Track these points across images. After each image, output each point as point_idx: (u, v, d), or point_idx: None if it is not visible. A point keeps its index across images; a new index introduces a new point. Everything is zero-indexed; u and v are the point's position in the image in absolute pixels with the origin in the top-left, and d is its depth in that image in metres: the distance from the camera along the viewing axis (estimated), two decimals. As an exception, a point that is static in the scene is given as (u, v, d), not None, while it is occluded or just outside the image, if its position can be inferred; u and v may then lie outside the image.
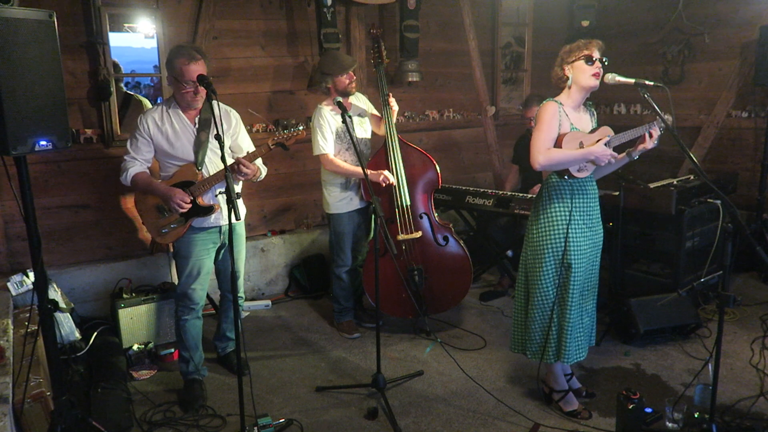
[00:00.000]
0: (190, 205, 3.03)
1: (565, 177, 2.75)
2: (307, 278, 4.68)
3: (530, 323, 2.93)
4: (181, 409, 3.08)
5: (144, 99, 4.53)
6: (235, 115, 3.25)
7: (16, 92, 2.02)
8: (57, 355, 2.40)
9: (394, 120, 3.76)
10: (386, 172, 3.64)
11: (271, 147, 3.10)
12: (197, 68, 2.91)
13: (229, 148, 3.21)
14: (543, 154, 2.67)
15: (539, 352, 2.92)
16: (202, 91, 2.96)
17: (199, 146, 3.07)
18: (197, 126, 3.09)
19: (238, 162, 3.01)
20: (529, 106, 4.36)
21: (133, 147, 3.08)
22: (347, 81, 3.64)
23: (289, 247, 4.74)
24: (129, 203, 4.09)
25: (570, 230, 2.76)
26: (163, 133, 3.06)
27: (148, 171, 3.11)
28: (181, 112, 3.08)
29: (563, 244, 2.77)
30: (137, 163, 3.07)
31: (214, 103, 2.62)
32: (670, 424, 2.80)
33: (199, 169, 3.08)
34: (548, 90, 3.02)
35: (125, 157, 3.09)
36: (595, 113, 2.94)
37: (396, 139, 3.72)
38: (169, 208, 3.06)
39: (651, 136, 2.73)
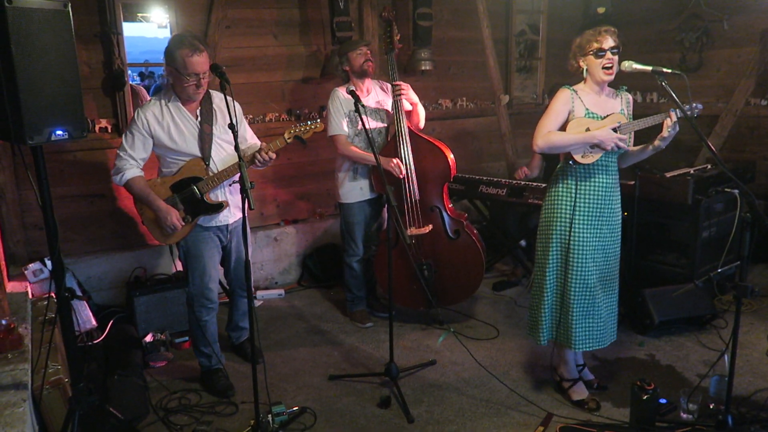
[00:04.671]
0: (183, 227, 2.95)
1: (570, 162, 2.75)
2: (320, 267, 4.70)
3: (530, 304, 2.97)
4: (213, 396, 3.11)
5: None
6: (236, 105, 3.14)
7: (31, 82, 2.03)
8: (74, 342, 2.44)
9: (404, 117, 3.65)
10: (396, 160, 3.59)
11: (288, 140, 2.96)
12: (201, 60, 2.79)
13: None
14: (542, 137, 2.73)
15: (536, 333, 2.93)
16: (204, 83, 2.87)
17: (205, 140, 2.94)
18: (199, 119, 2.96)
19: (259, 152, 2.89)
20: None
21: (129, 143, 2.90)
22: (362, 59, 3.61)
23: (302, 237, 4.75)
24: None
25: (574, 215, 2.76)
26: (165, 128, 2.91)
27: (143, 175, 2.96)
28: (181, 104, 2.94)
29: (566, 229, 2.78)
30: (133, 165, 2.92)
31: (214, 93, 2.46)
32: (684, 415, 2.79)
33: (207, 164, 2.96)
34: (563, 79, 2.99)
35: (120, 154, 2.92)
36: (629, 98, 2.85)
37: (405, 130, 3.64)
38: (162, 225, 2.93)
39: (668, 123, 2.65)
